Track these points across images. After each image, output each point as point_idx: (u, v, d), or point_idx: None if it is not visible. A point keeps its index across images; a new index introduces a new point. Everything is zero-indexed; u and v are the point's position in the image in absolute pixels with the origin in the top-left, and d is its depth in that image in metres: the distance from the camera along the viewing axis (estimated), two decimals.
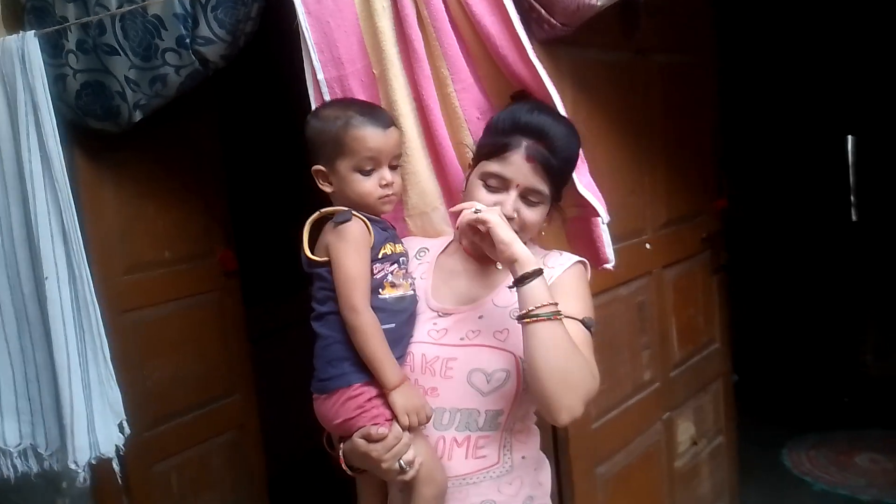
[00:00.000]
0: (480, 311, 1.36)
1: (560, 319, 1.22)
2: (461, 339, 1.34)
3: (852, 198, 4.52)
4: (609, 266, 1.62)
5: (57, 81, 2.14)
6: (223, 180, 3.01)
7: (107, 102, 2.21)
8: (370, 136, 1.35)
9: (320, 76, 1.57)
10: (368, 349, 1.29)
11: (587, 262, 1.43)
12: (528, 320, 1.22)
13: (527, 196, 1.32)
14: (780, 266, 4.79)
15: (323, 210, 1.38)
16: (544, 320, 1.21)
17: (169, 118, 2.48)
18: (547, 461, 1.48)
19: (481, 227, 1.27)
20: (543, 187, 1.32)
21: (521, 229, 1.32)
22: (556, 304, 1.23)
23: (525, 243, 1.33)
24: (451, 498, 1.34)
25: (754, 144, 4.56)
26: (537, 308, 1.21)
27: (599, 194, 1.54)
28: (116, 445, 1.85)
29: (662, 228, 2.43)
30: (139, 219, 2.66)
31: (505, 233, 1.25)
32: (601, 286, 2.14)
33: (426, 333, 1.38)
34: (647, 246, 2.33)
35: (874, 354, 4.60)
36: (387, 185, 1.37)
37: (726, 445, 2.88)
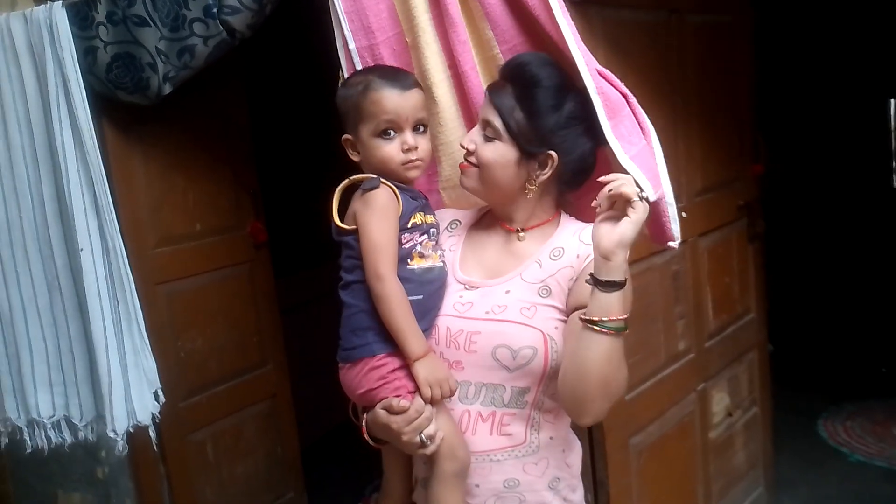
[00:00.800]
0: (508, 286, 1.32)
1: (623, 335, 1.16)
2: (486, 312, 1.31)
3: (893, 163, 4.39)
4: (674, 244, 1.45)
5: (87, 54, 2.13)
6: (252, 152, 3.01)
7: (137, 74, 2.20)
8: (387, 97, 1.31)
9: (351, 45, 1.54)
10: (393, 318, 1.27)
11: None
12: (595, 329, 1.15)
13: (485, 129, 1.30)
14: (817, 233, 4.69)
15: (352, 177, 1.35)
16: (609, 333, 1.15)
17: (197, 90, 2.48)
18: (578, 442, 1.44)
19: (630, 210, 1.13)
20: (495, 119, 1.28)
21: (479, 166, 1.31)
22: (626, 318, 1.16)
23: (520, 204, 1.33)
24: (473, 474, 1.32)
25: (792, 108, 4.44)
26: (608, 320, 1.14)
27: (657, 169, 1.38)
28: (153, 414, 1.87)
29: (698, 196, 2.38)
30: (170, 191, 2.67)
31: (636, 229, 1.14)
32: (635, 255, 2.09)
33: (451, 306, 1.35)
34: (683, 214, 2.28)
35: None
36: (409, 150, 1.33)
37: (761, 416, 2.85)
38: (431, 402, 1.28)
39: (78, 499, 2.70)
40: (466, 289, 1.36)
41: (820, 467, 3.28)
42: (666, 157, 2.19)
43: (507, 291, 1.32)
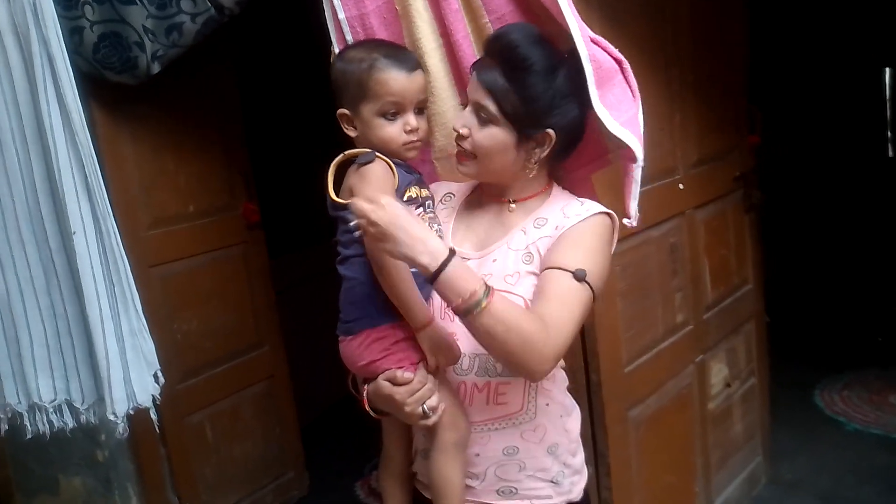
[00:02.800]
0: (495, 255, 1.32)
1: (490, 301, 1.12)
2: None
3: (889, 133, 4.37)
4: (629, 222, 1.40)
5: (73, 34, 2.10)
6: (243, 132, 2.99)
7: (125, 54, 2.17)
8: (394, 79, 1.30)
9: (341, 15, 1.51)
10: (397, 289, 1.26)
11: (615, 215, 1.33)
12: (460, 319, 1.15)
13: (478, 113, 1.27)
14: (812, 203, 4.69)
15: (347, 152, 1.34)
16: (473, 315, 1.12)
17: (185, 69, 2.45)
18: (576, 407, 1.44)
19: (371, 230, 1.13)
20: (489, 104, 1.25)
21: (474, 150, 1.29)
22: (480, 282, 1.13)
23: (518, 180, 1.32)
24: (472, 444, 1.33)
25: (787, 78, 4.42)
26: (464, 301, 1.12)
27: (640, 132, 1.36)
28: (153, 395, 1.86)
29: (694, 167, 2.36)
30: (160, 173, 2.65)
31: (390, 230, 1.12)
32: (632, 229, 2.09)
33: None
34: (680, 186, 2.28)
35: None
36: (412, 131, 1.33)
37: (759, 387, 2.86)
38: (436, 371, 1.29)
39: (79, 483, 2.70)
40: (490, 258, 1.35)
41: (817, 437, 3.30)
42: (661, 129, 2.20)
43: (494, 260, 1.32)
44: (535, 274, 1.28)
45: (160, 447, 2.70)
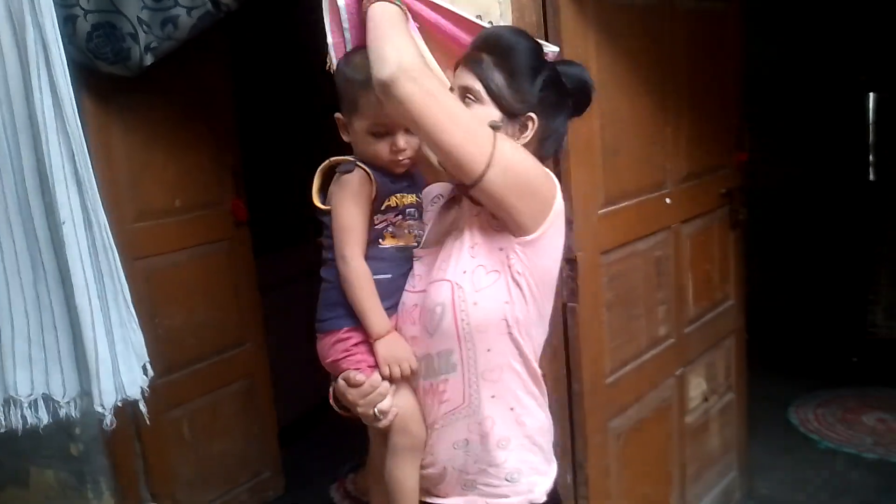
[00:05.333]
0: (445, 247, 1.34)
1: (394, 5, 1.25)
2: (427, 282, 1.34)
3: (871, 157, 4.43)
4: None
5: (67, 23, 2.09)
6: (235, 128, 2.97)
7: (118, 45, 2.16)
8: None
9: (341, 2, 1.49)
10: (355, 298, 1.32)
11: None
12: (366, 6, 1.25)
13: (464, 96, 1.28)
14: (793, 222, 4.75)
15: (333, 159, 1.38)
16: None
17: (180, 63, 2.43)
18: (537, 399, 1.37)
19: None
20: (475, 83, 1.27)
21: None
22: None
23: None
24: (430, 448, 1.36)
25: (775, 99, 4.48)
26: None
27: None
28: (141, 388, 1.84)
29: (683, 182, 2.38)
30: (149, 166, 2.63)
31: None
32: (620, 240, 2.12)
33: (408, 282, 1.38)
34: (668, 201, 2.30)
35: (884, 315, 4.58)
36: (398, 151, 1.34)
37: (736, 402, 2.88)
38: (390, 379, 1.32)
39: (51, 476, 2.67)
40: (416, 260, 1.39)
41: (791, 453, 3.34)
42: (653, 143, 2.23)
43: (441, 252, 1.34)
44: (468, 247, 1.28)
45: (135, 442, 2.68)
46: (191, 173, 2.78)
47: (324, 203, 1.37)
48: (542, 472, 1.38)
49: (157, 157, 2.65)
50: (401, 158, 1.35)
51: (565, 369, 1.99)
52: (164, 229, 2.69)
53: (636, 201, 2.17)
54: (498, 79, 1.27)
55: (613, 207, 2.08)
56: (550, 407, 1.82)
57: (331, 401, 1.40)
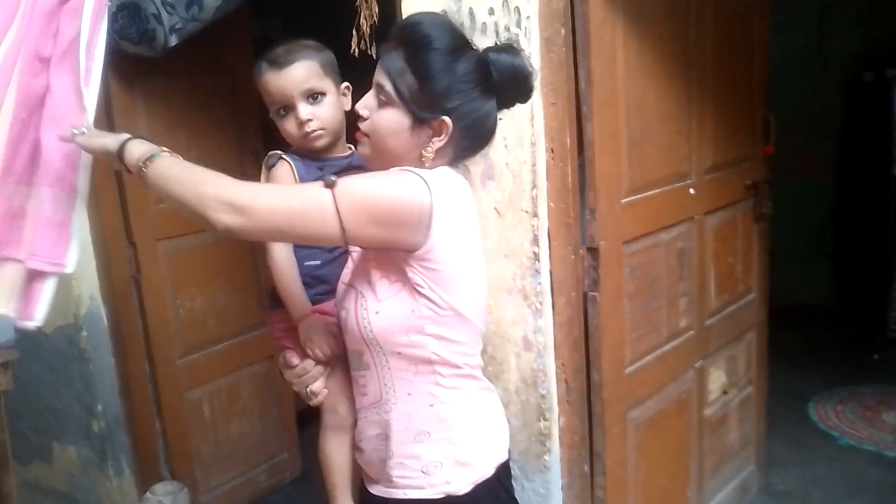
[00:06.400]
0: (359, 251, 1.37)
1: (163, 157, 1.23)
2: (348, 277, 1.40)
3: (893, 151, 4.36)
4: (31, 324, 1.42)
5: None
6: (258, 112, 2.97)
7: (142, 25, 2.17)
8: (268, 81, 1.42)
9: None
10: (278, 284, 1.42)
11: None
12: (140, 173, 1.23)
13: (378, 95, 1.26)
14: (816, 216, 4.70)
15: (270, 153, 1.47)
16: (142, 169, 1.23)
17: (204, 45, 2.44)
18: (463, 396, 1.33)
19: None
20: (386, 83, 1.23)
21: (370, 130, 1.28)
22: (157, 149, 1.25)
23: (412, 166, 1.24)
24: (359, 433, 1.41)
25: (800, 91, 4.42)
26: (140, 162, 1.23)
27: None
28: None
29: (707, 173, 2.36)
30: (172, 148, 2.59)
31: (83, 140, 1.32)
32: (643, 230, 2.10)
33: (344, 271, 1.46)
34: (692, 191, 2.27)
35: None
36: (303, 123, 1.41)
37: (756, 396, 2.86)
38: (316, 359, 1.42)
39: (73, 452, 2.71)
40: (353, 252, 1.44)
41: (810, 449, 3.31)
42: (678, 131, 2.20)
43: (357, 253, 1.39)
44: (374, 258, 1.27)
45: (156, 421, 2.71)
46: (214, 156, 2.79)
47: None
48: (467, 464, 1.33)
49: (180, 140, 2.66)
50: (308, 130, 1.42)
51: (585, 359, 1.98)
52: None
53: (660, 191, 2.15)
54: (409, 80, 1.22)
55: (637, 197, 2.06)
56: (570, 396, 1.82)
57: (280, 372, 1.50)
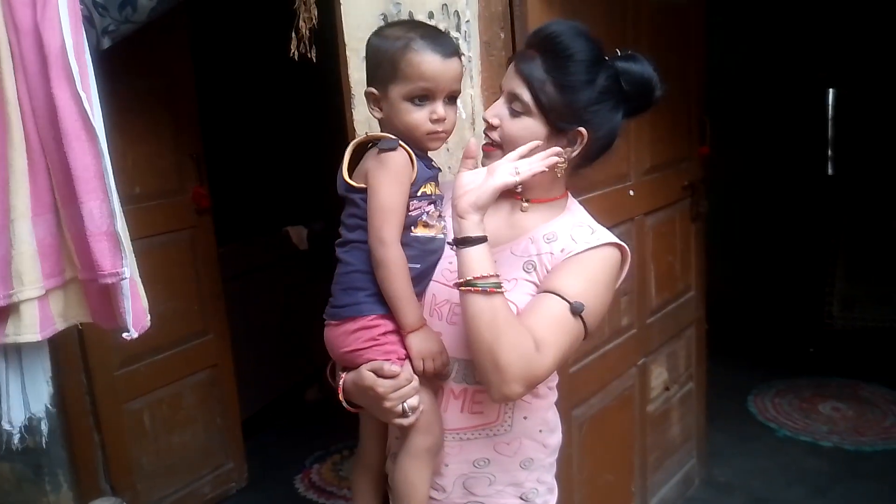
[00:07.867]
0: (496, 256, 1.22)
1: (499, 293, 1.12)
2: None
3: (829, 151, 4.53)
4: (127, 336, 1.48)
5: None
6: (196, 114, 2.92)
7: None
8: (427, 62, 1.23)
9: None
10: (391, 285, 1.22)
11: (626, 248, 1.27)
12: (463, 289, 1.12)
13: (511, 103, 1.23)
14: (752, 215, 4.84)
15: (369, 134, 1.29)
16: (479, 292, 1.11)
17: (137, 45, 2.38)
18: (559, 423, 1.36)
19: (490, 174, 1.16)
20: (524, 92, 1.20)
21: (503, 140, 1.24)
22: (497, 276, 1.13)
23: (542, 180, 1.22)
24: (444, 453, 1.29)
25: (737, 94, 4.55)
26: (476, 278, 1.11)
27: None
28: (45, 406, 1.76)
29: (646, 174, 2.41)
30: (109, 152, 2.57)
31: (466, 177, 1.15)
32: None
33: (440, 272, 1.29)
34: (631, 193, 2.32)
35: (840, 306, 4.70)
36: (438, 121, 1.25)
37: (696, 391, 2.93)
38: (423, 374, 1.24)
39: (7, 469, 2.61)
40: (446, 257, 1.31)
41: (750, 441, 3.41)
42: (618, 134, 2.23)
43: (495, 261, 1.21)
44: (533, 284, 1.23)
45: (95, 434, 2.63)
46: (151, 160, 2.72)
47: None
48: (553, 489, 1.37)
49: (116, 143, 2.55)
50: (440, 129, 1.26)
51: None
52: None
53: (601, 193, 2.19)
54: (549, 90, 1.19)
55: (579, 199, 2.08)
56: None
57: (340, 396, 1.30)
